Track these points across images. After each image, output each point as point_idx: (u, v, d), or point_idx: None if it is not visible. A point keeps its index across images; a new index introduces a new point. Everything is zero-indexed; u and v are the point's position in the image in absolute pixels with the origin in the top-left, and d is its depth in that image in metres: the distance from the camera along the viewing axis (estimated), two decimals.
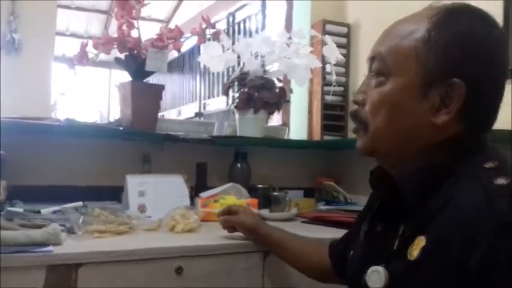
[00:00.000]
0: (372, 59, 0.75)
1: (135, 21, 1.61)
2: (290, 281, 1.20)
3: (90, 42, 1.64)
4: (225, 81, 1.91)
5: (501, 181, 0.60)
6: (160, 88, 1.67)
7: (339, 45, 1.94)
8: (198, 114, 5.29)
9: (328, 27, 2.12)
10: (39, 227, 1.05)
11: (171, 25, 1.90)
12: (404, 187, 0.71)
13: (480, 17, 0.70)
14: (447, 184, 0.65)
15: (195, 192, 1.64)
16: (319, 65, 1.86)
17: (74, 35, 7.61)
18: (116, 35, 1.62)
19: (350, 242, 0.90)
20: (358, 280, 0.75)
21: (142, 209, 1.45)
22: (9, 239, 0.97)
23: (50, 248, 0.99)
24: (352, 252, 0.85)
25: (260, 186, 1.76)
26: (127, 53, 1.62)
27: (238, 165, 1.76)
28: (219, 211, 1.26)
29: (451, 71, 0.67)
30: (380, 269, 0.66)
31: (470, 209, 0.58)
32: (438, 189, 0.65)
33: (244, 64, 1.77)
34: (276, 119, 2.30)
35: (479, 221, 0.57)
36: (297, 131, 2.21)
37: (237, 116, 1.82)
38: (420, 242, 0.62)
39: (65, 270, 0.97)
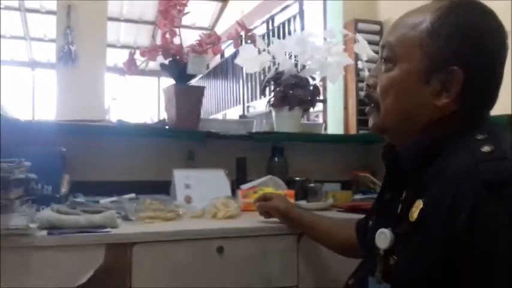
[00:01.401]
0: (383, 47, 0.84)
1: (176, 29, 1.76)
2: (323, 261, 1.30)
3: (138, 52, 1.80)
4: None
5: (487, 148, 0.69)
6: (201, 89, 1.81)
7: (372, 43, 2.02)
8: (242, 117, 5.43)
9: (361, 25, 2.21)
10: (98, 212, 1.20)
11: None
12: (404, 158, 0.81)
13: (480, 10, 0.78)
14: (444, 154, 0.74)
15: (236, 185, 1.76)
16: (351, 62, 1.94)
17: (124, 47, 7.98)
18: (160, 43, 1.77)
19: (370, 215, 0.99)
20: (372, 245, 0.85)
21: (188, 199, 1.59)
22: (73, 222, 1.13)
23: (108, 229, 1.13)
24: (370, 222, 0.94)
25: (297, 179, 1.85)
26: (170, 59, 1.77)
27: (276, 159, 1.86)
28: (254, 198, 1.37)
29: (451, 59, 0.75)
30: (386, 231, 0.75)
31: (458, 174, 0.67)
32: (436, 159, 0.74)
33: (278, 64, 1.88)
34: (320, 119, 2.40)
35: (465, 183, 0.65)
36: (334, 127, 2.29)
37: (273, 113, 1.93)
38: (419, 204, 0.71)
39: (121, 248, 1.11)
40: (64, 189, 1.40)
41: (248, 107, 5.60)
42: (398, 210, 0.76)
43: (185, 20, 1.79)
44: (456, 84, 0.75)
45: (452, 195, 0.66)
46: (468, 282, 0.64)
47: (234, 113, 5.93)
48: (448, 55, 0.76)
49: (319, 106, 2.95)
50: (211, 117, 6.48)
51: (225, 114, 6.38)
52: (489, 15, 0.78)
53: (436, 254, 0.67)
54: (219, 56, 6.29)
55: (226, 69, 6.46)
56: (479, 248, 0.63)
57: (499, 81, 0.79)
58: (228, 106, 6.42)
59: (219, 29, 7.16)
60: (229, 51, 5.67)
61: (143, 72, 7.93)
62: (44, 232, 1.07)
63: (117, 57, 6.53)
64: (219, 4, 7.71)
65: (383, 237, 0.75)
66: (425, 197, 0.71)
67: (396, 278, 0.73)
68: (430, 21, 0.78)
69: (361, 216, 1.52)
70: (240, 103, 5.87)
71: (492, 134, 0.74)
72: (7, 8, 6.51)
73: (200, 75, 6.86)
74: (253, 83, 5.50)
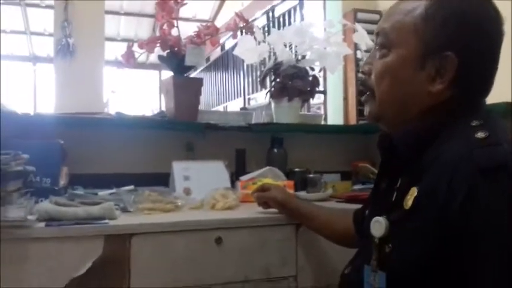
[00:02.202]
0: (377, 34, 0.84)
1: (174, 21, 1.75)
2: (321, 250, 1.30)
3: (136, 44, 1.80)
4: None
5: (481, 134, 0.69)
6: (199, 81, 1.81)
7: (371, 33, 1.99)
8: (243, 109, 5.42)
9: (360, 15, 2.20)
10: (97, 204, 1.21)
11: (216, 25, 2.03)
12: (400, 145, 0.81)
13: None
14: (439, 141, 0.74)
15: (235, 176, 1.76)
16: (350, 52, 1.93)
17: (124, 40, 7.95)
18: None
19: (367, 205, 0.99)
20: (368, 234, 0.85)
21: (187, 191, 1.59)
22: (71, 214, 1.13)
23: (107, 221, 1.14)
24: (367, 211, 0.94)
25: (297, 169, 1.85)
26: (168, 51, 1.76)
27: (275, 150, 1.86)
28: (253, 189, 1.37)
29: (445, 44, 0.75)
30: (381, 219, 0.75)
31: (453, 160, 0.67)
32: (430, 146, 0.74)
33: (276, 54, 1.87)
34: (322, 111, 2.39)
35: (460, 169, 0.65)
36: (334, 117, 2.29)
37: (272, 104, 1.93)
38: (413, 192, 0.71)
39: (120, 240, 1.12)
40: (63, 182, 1.40)
41: (249, 99, 5.60)
42: (393, 198, 0.76)
43: (186, 13, 1.80)
44: (450, 69, 0.75)
45: (447, 181, 0.65)
46: (463, 267, 0.64)
47: (235, 106, 5.92)
48: (442, 40, 0.75)
49: (320, 98, 2.96)
50: (213, 109, 6.48)
51: (226, 106, 6.38)
52: (485, 0, 0.78)
53: (430, 240, 0.67)
54: (219, 48, 6.28)
55: (227, 62, 6.44)
56: (473, 233, 0.63)
57: (495, 68, 0.79)
58: (229, 99, 6.41)
59: (220, 21, 7.13)
60: (229, 43, 5.65)
61: (144, 66, 7.92)
62: (42, 224, 1.08)
63: (117, 50, 6.52)
64: None
65: (377, 226, 0.75)
66: (420, 184, 0.70)
67: (391, 265, 0.73)
68: (424, 7, 0.77)
69: (360, 206, 1.54)
70: (241, 95, 5.87)
71: (487, 120, 0.73)
72: (7, 2, 6.49)
73: (201, 68, 6.87)
74: (254, 75, 5.49)
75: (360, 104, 2.15)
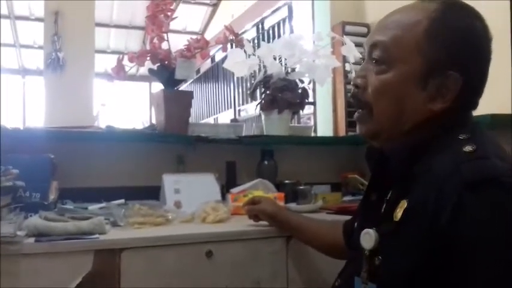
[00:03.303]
0: (373, 47, 0.81)
1: (164, 35, 1.76)
2: (312, 262, 1.30)
3: (126, 57, 1.80)
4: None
5: (468, 148, 0.70)
6: (189, 94, 1.82)
7: (359, 45, 2.03)
8: (233, 121, 5.43)
9: (348, 28, 2.22)
10: (87, 219, 1.20)
11: (206, 37, 2.04)
12: (394, 159, 0.82)
13: (472, 14, 0.78)
14: (428, 155, 0.74)
15: (226, 189, 1.77)
16: (338, 64, 1.95)
17: (114, 52, 7.94)
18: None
19: (356, 217, 1.00)
20: (358, 246, 0.85)
21: (178, 204, 1.59)
22: (61, 229, 1.12)
23: (97, 235, 1.13)
24: (356, 224, 0.95)
25: (287, 181, 1.86)
26: (159, 64, 1.77)
27: (266, 162, 1.87)
28: (243, 202, 1.37)
29: (449, 64, 0.75)
30: (371, 231, 0.75)
31: (441, 174, 0.68)
32: (420, 160, 0.74)
33: (266, 67, 1.88)
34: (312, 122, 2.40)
35: (447, 184, 0.66)
36: (323, 129, 2.31)
37: (262, 116, 1.94)
38: (403, 204, 0.71)
39: (110, 254, 1.11)
40: (52, 196, 1.40)
41: (239, 110, 5.61)
42: (382, 210, 0.77)
43: (175, 25, 1.80)
44: (453, 89, 0.75)
45: (435, 196, 0.66)
46: (452, 279, 0.65)
47: (225, 117, 5.94)
48: (445, 59, 0.75)
49: (310, 109, 2.97)
50: (203, 121, 6.49)
51: (217, 118, 6.39)
52: (479, 19, 0.79)
53: (420, 252, 0.67)
54: (209, 60, 6.30)
55: (217, 73, 6.47)
56: (462, 245, 0.64)
57: (485, 85, 0.80)
58: (219, 110, 6.43)
59: (210, 33, 7.17)
60: (219, 55, 5.68)
61: (134, 78, 7.91)
62: (32, 239, 1.07)
63: (107, 63, 6.52)
64: (210, 8, 7.72)
65: (367, 238, 0.75)
66: (409, 197, 0.71)
67: (381, 277, 0.73)
68: (426, 24, 0.76)
69: (350, 217, 1.55)
70: (231, 107, 5.88)
71: (475, 133, 0.74)
72: None
73: (191, 80, 6.88)
74: (244, 86, 5.51)
75: (349, 115, 2.17)
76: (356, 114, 0.86)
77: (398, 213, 0.71)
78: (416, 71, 0.76)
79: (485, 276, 0.63)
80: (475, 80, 0.77)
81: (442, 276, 0.65)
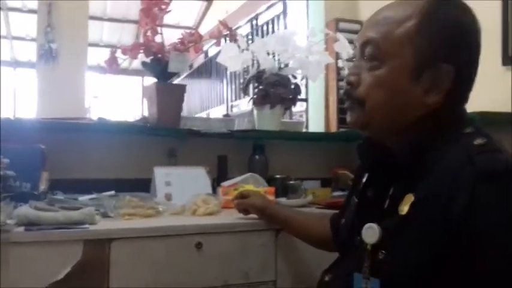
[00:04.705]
0: (364, 44, 0.81)
1: (158, 28, 1.76)
2: (300, 255, 1.32)
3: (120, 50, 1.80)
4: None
5: (479, 141, 0.71)
6: (182, 87, 1.82)
7: (353, 42, 2.04)
8: (226, 116, 5.43)
9: (342, 25, 2.24)
10: (77, 209, 1.20)
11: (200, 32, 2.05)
12: (398, 154, 0.82)
13: (461, 6, 0.80)
14: (433, 150, 0.75)
15: (216, 183, 1.77)
16: (331, 60, 1.97)
17: (108, 45, 7.90)
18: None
19: (343, 213, 1.01)
20: (349, 242, 0.86)
21: (168, 197, 1.59)
22: (51, 218, 1.13)
23: (87, 225, 1.14)
24: (343, 220, 0.95)
25: (278, 176, 1.87)
26: (152, 57, 1.77)
27: (257, 157, 1.88)
28: (233, 197, 1.38)
29: (441, 56, 0.76)
30: (374, 225, 0.75)
31: (454, 167, 0.68)
32: (425, 155, 0.75)
33: (259, 62, 1.89)
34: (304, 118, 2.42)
35: (461, 175, 0.67)
36: (315, 125, 2.32)
37: (255, 111, 1.95)
38: (409, 198, 0.72)
39: (99, 244, 1.12)
40: (43, 187, 1.40)
41: (232, 106, 5.62)
42: (386, 205, 0.77)
43: (169, 20, 1.81)
44: (446, 80, 0.76)
45: (448, 187, 0.67)
46: (463, 271, 0.65)
47: (218, 112, 5.93)
48: (437, 52, 0.76)
49: (302, 106, 2.99)
50: (195, 116, 6.48)
51: (209, 113, 6.39)
52: (468, 11, 0.79)
53: (429, 245, 0.68)
54: (203, 55, 6.29)
55: (210, 69, 6.47)
56: (474, 237, 0.65)
57: (476, 76, 0.81)
58: (212, 105, 6.43)
59: (204, 29, 7.15)
60: (213, 50, 5.67)
61: (126, 72, 7.89)
62: (22, 228, 1.07)
63: (100, 56, 6.48)
64: (204, 3, 7.71)
65: (371, 232, 0.75)
66: (416, 191, 0.72)
67: (385, 272, 0.73)
68: (417, 18, 0.77)
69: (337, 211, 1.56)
70: (224, 102, 5.88)
71: (479, 127, 0.76)
72: None
73: (184, 75, 6.87)
74: (237, 82, 5.51)
75: (341, 112, 2.19)
76: (347, 103, 0.86)
77: (405, 207, 0.72)
78: (409, 64, 0.77)
79: (497, 266, 0.64)
80: (466, 71, 0.78)
81: (451, 267, 0.66)
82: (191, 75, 7.18)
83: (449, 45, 0.76)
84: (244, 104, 5.13)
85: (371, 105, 0.80)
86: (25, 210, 1.14)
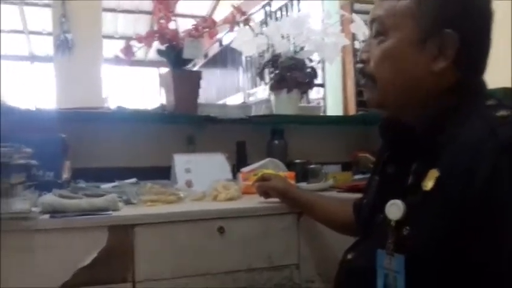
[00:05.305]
0: (372, 22, 0.84)
1: (171, 15, 1.76)
2: (322, 239, 1.31)
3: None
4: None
5: (502, 113, 0.70)
6: (198, 74, 1.82)
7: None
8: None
9: (357, 6, 2.20)
10: (100, 196, 1.22)
11: None
12: (418, 129, 0.81)
13: None
14: (454, 123, 0.74)
15: (236, 169, 1.77)
16: (347, 42, 1.94)
17: (122, 37, 7.93)
18: None
19: (365, 195, 1.00)
20: (370, 222, 0.85)
21: (189, 184, 1.60)
22: (75, 205, 1.14)
23: (110, 212, 1.15)
24: (365, 200, 0.94)
25: (298, 161, 1.86)
26: (167, 44, 1.77)
27: (276, 142, 1.87)
28: (254, 180, 1.38)
29: (443, 23, 0.76)
30: (398, 201, 0.75)
31: (476, 139, 0.68)
32: (446, 129, 0.74)
33: (274, 47, 1.87)
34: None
35: (484, 146, 0.66)
36: (333, 108, 2.30)
37: (272, 96, 1.93)
38: (433, 174, 0.71)
39: (123, 230, 1.13)
40: (65, 175, 1.42)
41: (248, 94, 5.61)
42: (409, 181, 0.77)
43: (183, 9, 1.81)
44: (451, 47, 0.76)
45: (470, 159, 0.66)
46: (485, 244, 0.65)
47: (235, 101, 5.93)
48: (440, 19, 0.76)
49: (320, 93, 2.96)
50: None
51: (225, 102, 6.39)
52: None
53: (454, 219, 0.67)
54: (217, 44, 6.28)
55: (226, 58, 6.45)
56: (496, 209, 0.64)
57: (490, 46, 0.80)
58: (228, 94, 6.42)
59: (217, 18, 7.12)
60: (227, 39, 5.65)
61: (142, 63, 7.91)
62: (47, 216, 1.09)
63: (115, 48, 6.50)
64: None
65: (395, 208, 0.75)
66: (439, 165, 0.71)
67: (410, 248, 0.72)
68: None
69: (360, 195, 1.55)
70: (240, 91, 5.88)
71: (500, 99, 0.75)
72: (5, 1, 6.48)
73: (199, 64, 6.87)
74: (253, 70, 5.49)
75: (359, 94, 2.16)
76: (362, 81, 0.88)
77: (429, 182, 0.71)
78: (412, 34, 0.78)
79: None
80: (474, 38, 0.77)
81: (473, 240, 0.65)
82: (206, 65, 7.18)
83: (451, 11, 0.76)
84: (261, 92, 5.13)
85: (381, 79, 0.82)
86: (49, 198, 1.15)
